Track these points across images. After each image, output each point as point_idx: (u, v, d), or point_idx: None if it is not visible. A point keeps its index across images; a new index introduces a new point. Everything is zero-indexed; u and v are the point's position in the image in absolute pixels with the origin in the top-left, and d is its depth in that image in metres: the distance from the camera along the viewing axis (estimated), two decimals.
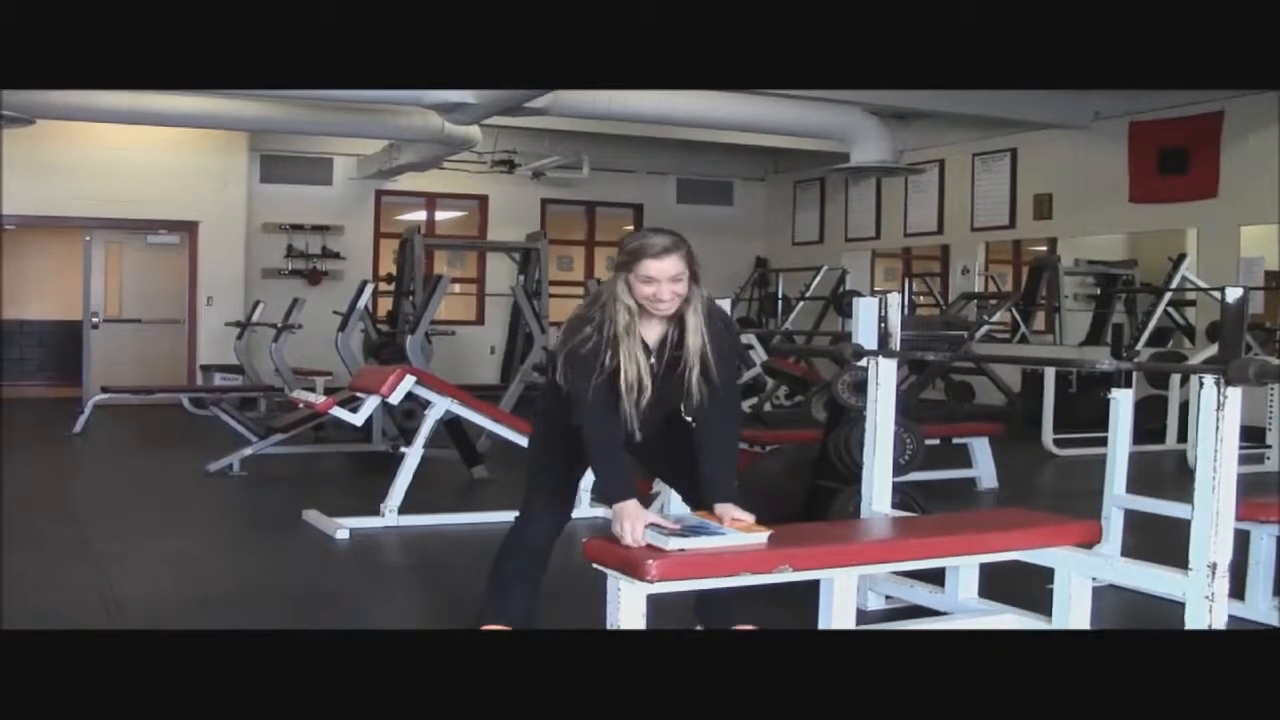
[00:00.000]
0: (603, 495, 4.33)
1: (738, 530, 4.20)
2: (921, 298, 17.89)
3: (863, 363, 5.61)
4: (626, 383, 4.30)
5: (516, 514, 4.73)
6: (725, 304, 8.42)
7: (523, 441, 7.12)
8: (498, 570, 4.69)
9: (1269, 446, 11.47)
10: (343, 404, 8.25)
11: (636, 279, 4.27)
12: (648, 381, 4.33)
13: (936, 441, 9.15)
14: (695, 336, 4.35)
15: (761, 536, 4.20)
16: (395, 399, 7.89)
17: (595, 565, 4.14)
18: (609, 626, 4.07)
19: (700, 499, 4.46)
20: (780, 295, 18.69)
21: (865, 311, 5.89)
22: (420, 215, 18.81)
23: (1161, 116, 14.39)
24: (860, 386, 5.82)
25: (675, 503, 5.14)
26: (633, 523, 4.11)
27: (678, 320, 4.37)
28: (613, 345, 4.28)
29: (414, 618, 5.80)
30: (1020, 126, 15.18)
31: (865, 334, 5.81)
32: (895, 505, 5.60)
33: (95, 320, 16.39)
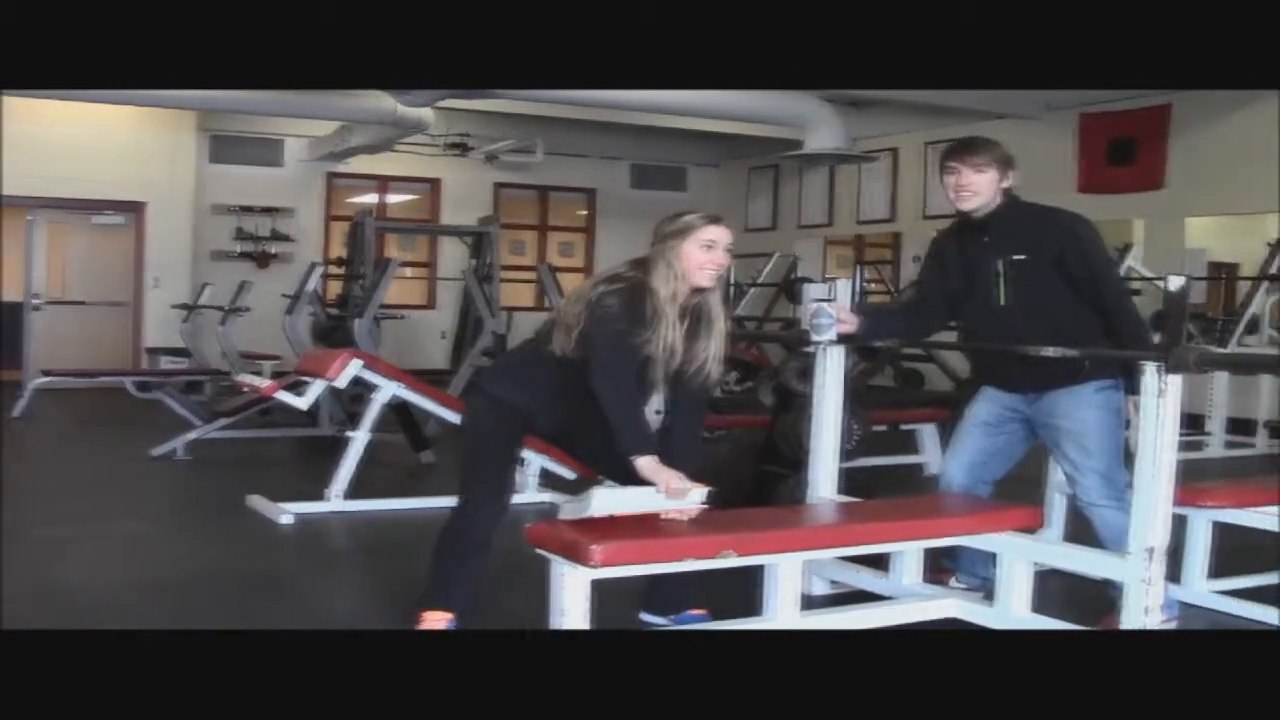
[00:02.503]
0: (627, 449, 4.33)
1: (669, 491, 4.22)
2: (873, 285, 17.88)
3: (810, 348, 5.60)
4: (666, 348, 4.44)
5: (456, 504, 4.68)
6: None
7: None
8: (441, 559, 4.67)
9: (1209, 434, 11.58)
10: (289, 388, 8.19)
11: (695, 245, 4.50)
12: (680, 348, 4.49)
13: (884, 428, 9.17)
14: (720, 321, 4.61)
15: (697, 495, 4.21)
16: (341, 383, 7.83)
17: (539, 550, 4.13)
18: (552, 611, 4.06)
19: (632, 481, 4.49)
20: (732, 282, 18.68)
21: (814, 298, 5.88)
22: (372, 198, 18.71)
23: (1111, 108, 14.47)
24: (808, 372, 5.80)
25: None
26: (663, 471, 4.28)
27: (694, 308, 4.57)
28: (656, 310, 4.41)
29: (358, 602, 5.77)
30: (973, 116, 15.19)
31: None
32: (843, 490, 5.60)
33: (37, 302, 16.16)
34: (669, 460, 4.39)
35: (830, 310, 5.25)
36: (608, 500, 4.07)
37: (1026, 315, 5.03)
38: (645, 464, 4.29)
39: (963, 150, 5.12)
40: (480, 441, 4.68)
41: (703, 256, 4.50)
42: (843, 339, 5.36)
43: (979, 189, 5.07)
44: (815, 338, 5.32)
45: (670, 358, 4.47)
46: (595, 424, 4.46)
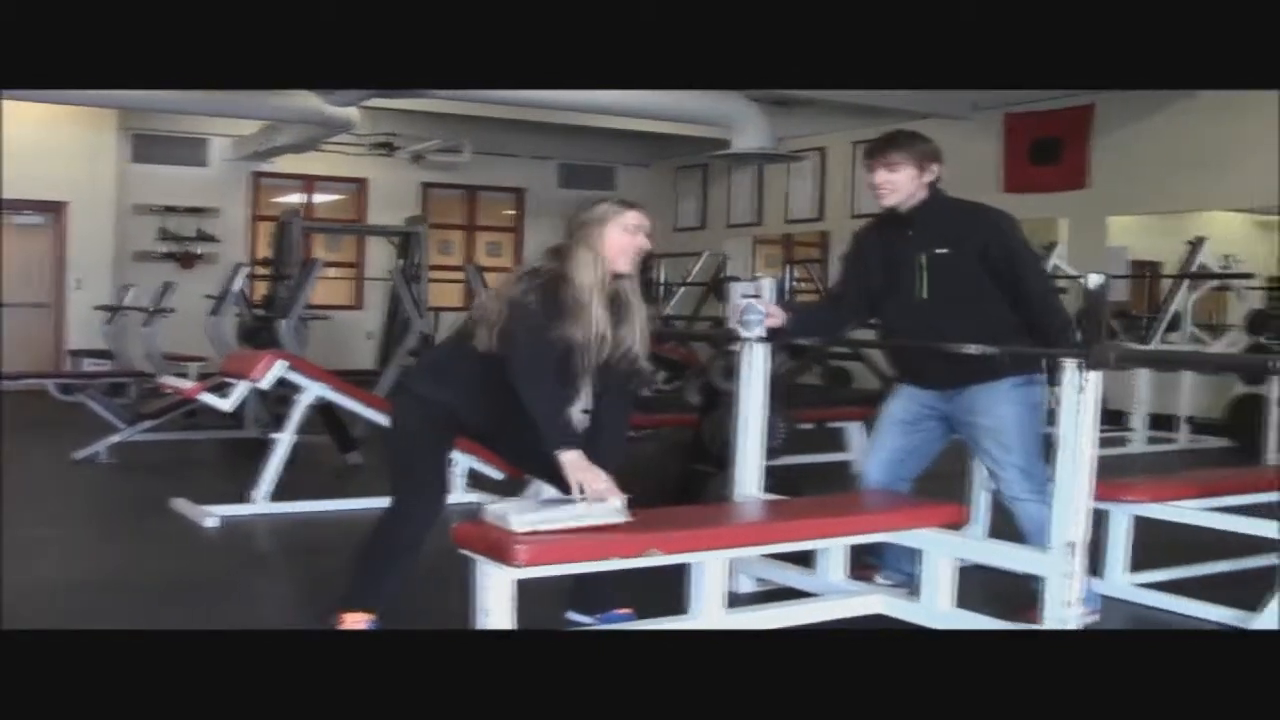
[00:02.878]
0: (551, 443, 4.31)
1: (593, 504, 4.21)
2: (802, 284, 17.94)
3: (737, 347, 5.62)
4: (595, 335, 4.43)
5: (389, 507, 4.62)
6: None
7: None
8: (369, 561, 4.63)
9: (1132, 430, 11.69)
10: (214, 389, 8.13)
11: (618, 230, 4.54)
12: (609, 335, 4.49)
13: (811, 426, 9.20)
14: (641, 307, 4.65)
15: (616, 504, 4.20)
16: (266, 384, 7.78)
17: (463, 550, 4.12)
18: (476, 611, 4.06)
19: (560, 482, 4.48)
20: (661, 281, 18.69)
21: (742, 294, 5.90)
22: (298, 198, 18.63)
23: (1035, 108, 14.62)
24: (734, 371, 5.81)
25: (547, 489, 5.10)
26: (587, 467, 4.27)
27: (613, 294, 4.56)
28: (577, 301, 4.40)
29: (282, 604, 5.75)
30: (900, 116, 15.22)
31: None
32: (769, 488, 5.62)
33: None
34: (597, 453, 4.41)
35: (759, 306, 5.28)
36: (528, 519, 4.05)
37: (947, 309, 5.07)
38: (569, 460, 4.28)
39: (879, 148, 5.20)
40: (410, 442, 4.63)
41: (625, 241, 4.54)
42: (771, 334, 5.39)
43: (896, 185, 5.13)
44: (744, 333, 5.34)
45: (601, 345, 4.47)
46: (520, 421, 4.44)
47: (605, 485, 4.27)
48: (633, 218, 4.58)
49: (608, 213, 4.54)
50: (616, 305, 4.55)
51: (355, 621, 4.54)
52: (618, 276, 4.56)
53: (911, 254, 5.14)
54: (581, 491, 4.25)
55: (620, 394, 4.76)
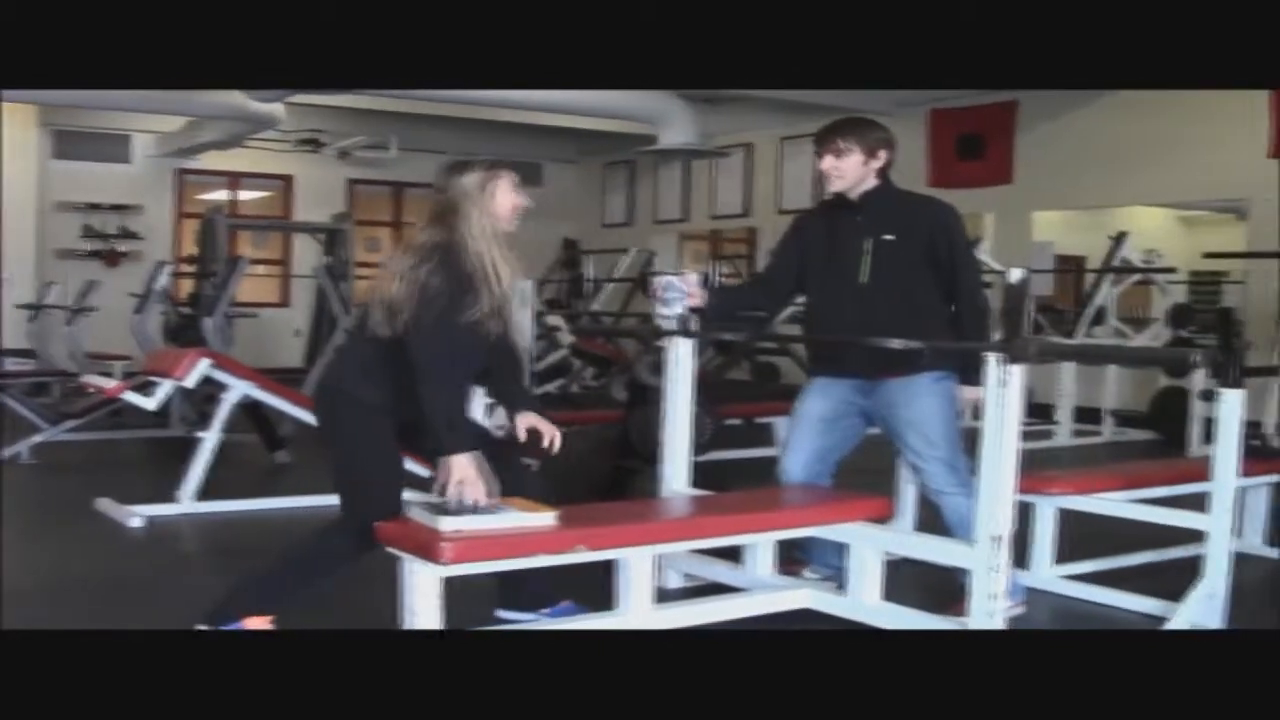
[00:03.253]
0: (445, 444, 4.25)
1: (520, 510, 4.19)
2: (729, 279, 17.95)
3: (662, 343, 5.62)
4: (496, 302, 4.37)
5: (339, 522, 4.51)
6: (529, 286, 8.42)
7: None
8: (300, 568, 4.55)
9: (1057, 423, 11.79)
10: (138, 388, 8.06)
11: (507, 190, 4.47)
12: (508, 295, 4.44)
13: (739, 421, 9.21)
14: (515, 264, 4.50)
15: (546, 517, 4.19)
16: (190, 382, 7.71)
17: (389, 549, 4.11)
18: (403, 610, 4.06)
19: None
20: (588, 277, 18.69)
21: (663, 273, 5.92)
22: (223, 195, 18.49)
23: (959, 105, 14.71)
24: (661, 367, 5.82)
25: None
26: (477, 473, 4.21)
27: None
28: (476, 269, 4.33)
29: (207, 605, 5.69)
30: (826, 112, 15.20)
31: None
32: (697, 483, 5.63)
33: None
34: (512, 404, 4.65)
35: (679, 284, 5.26)
36: (457, 522, 4.03)
37: (885, 295, 5.11)
38: (462, 463, 4.22)
39: (828, 134, 5.22)
40: (359, 449, 4.46)
41: (514, 200, 4.49)
42: (693, 314, 5.38)
43: (844, 171, 5.16)
44: (664, 311, 5.31)
45: (505, 305, 4.42)
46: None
47: (481, 496, 4.22)
48: (513, 176, 4.51)
49: (491, 175, 4.44)
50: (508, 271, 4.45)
51: (258, 625, 4.42)
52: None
53: (858, 238, 5.17)
54: (444, 493, 4.21)
55: (512, 357, 4.73)
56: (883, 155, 5.20)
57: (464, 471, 4.21)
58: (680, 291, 5.24)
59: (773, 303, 5.90)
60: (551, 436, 4.66)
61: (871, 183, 5.21)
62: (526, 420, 4.67)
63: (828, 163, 5.19)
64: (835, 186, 5.22)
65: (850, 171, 5.16)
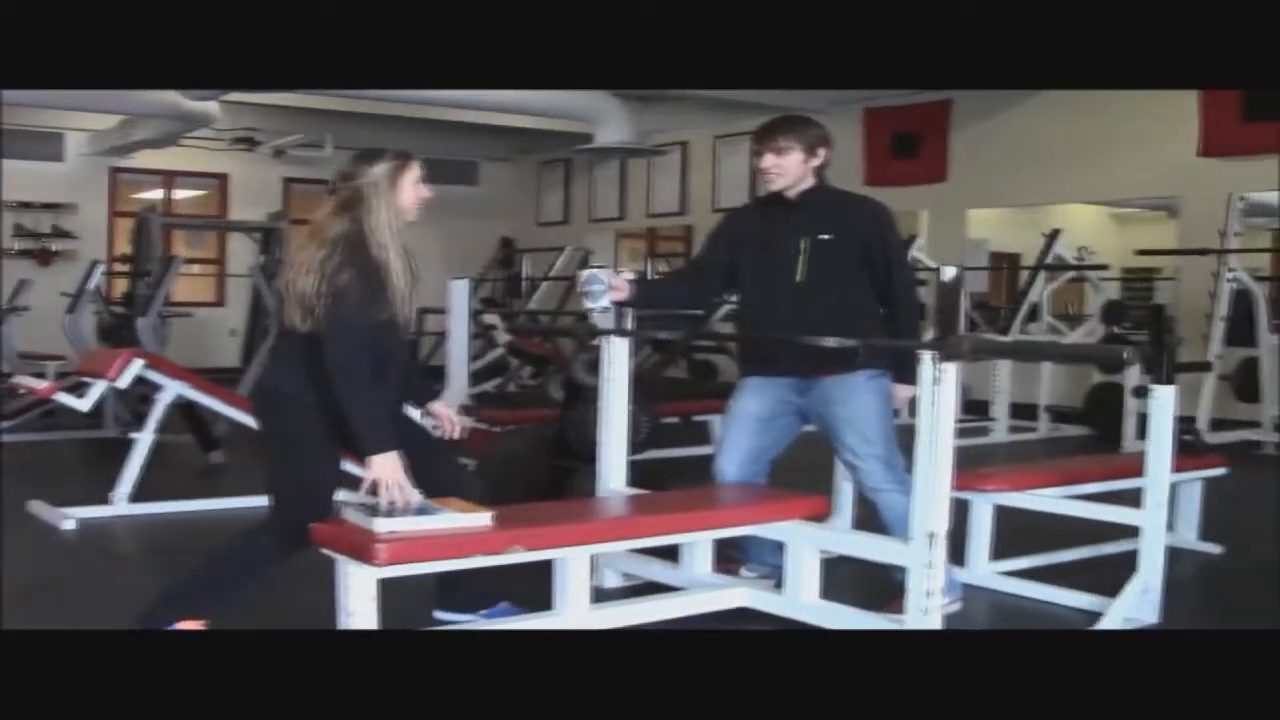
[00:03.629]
0: (365, 444, 4.20)
1: (456, 511, 4.18)
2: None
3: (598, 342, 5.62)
4: (401, 293, 4.30)
5: (271, 521, 4.46)
6: (465, 285, 8.40)
7: None
8: (227, 569, 4.48)
9: (994, 419, 11.86)
10: (71, 389, 8.00)
11: (413, 182, 4.43)
12: (409, 293, 4.35)
13: (676, 419, 9.22)
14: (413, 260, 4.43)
15: (482, 518, 4.18)
16: (123, 383, 7.65)
17: (323, 550, 4.09)
18: (339, 612, 4.04)
19: (427, 482, 4.43)
20: (525, 275, 18.68)
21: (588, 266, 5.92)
22: (158, 193, 18.37)
23: (894, 103, 14.80)
24: (596, 365, 5.82)
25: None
26: (399, 474, 4.16)
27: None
28: (381, 262, 4.27)
29: (141, 608, 5.65)
30: (761, 110, 15.28)
31: (601, 314, 5.81)
32: (632, 483, 5.63)
33: None
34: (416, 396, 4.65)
35: (603, 276, 5.22)
36: (392, 523, 4.02)
37: (820, 294, 5.11)
38: (384, 462, 4.19)
39: (766, 133, 5.22)
40: (297, 449, 4.42)
41: (418, 192, 4.45)
42: (622, 309, 5.39)
43: (784, 170, 5.16)
44: (589, 304, 5.27)
45: (403, 301, 4.34)
46: (395, 413, 4.45)
47: (404, 497, 4.20)
48: (420, 168, 4.47)
49: (400, 166, 4.40)
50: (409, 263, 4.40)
51: (190, 629, 4.34)
52: None
53: (794, 237, 5.17)
54: (374, 494, 4.19)
55: (405, 349, 4.61)
56: (822, 154, 5.22)
57: (383, 471, 4.17)
58: (604, 285, 5.19)
59: (700, 295, 5.91)
60: (454, 426, 4.68)
61: (809, 181, 5.22)
62: (436, 410, 4.70)
63: (768, 161, 5.18)
64: (775, 185, 5.22)
65: (790, 170, 5.17)
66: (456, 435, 4.73)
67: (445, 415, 4.73)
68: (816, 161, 5.20)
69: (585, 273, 5.27)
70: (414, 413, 4.80)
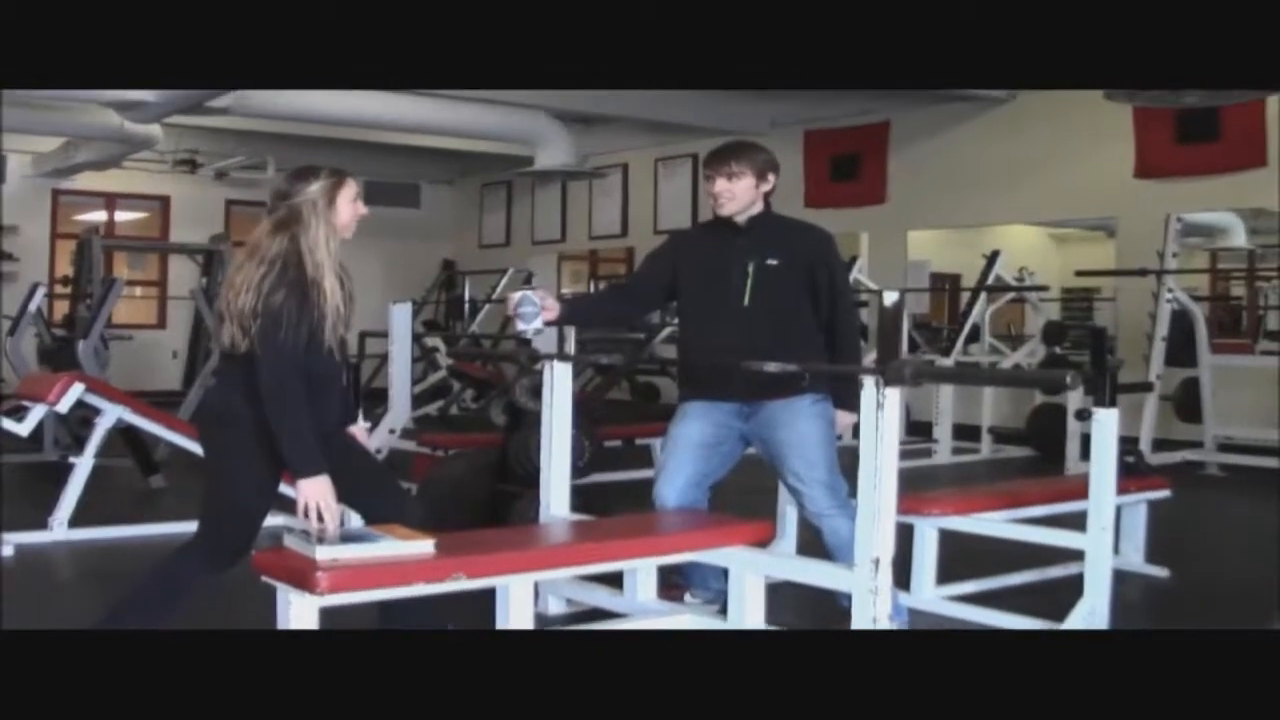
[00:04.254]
0: (295, 467, 4.15)
1: (397, 538, 4.15)
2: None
3: (540, 366, 5.61)
4: (334, 311, 4.23)
5: (192, 547, 4.38)
6: (407, 308, 8.38)
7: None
8: (157, 591, 4.39)
9: (936, 441, 11.90)
10: (10, 412, 7.95)
11: (349, 200, 4.36)
12: (344, 310, 4.29)
13: (619, 443, 9.22)
14: (347, 278, 4.38)
15: (424, 545, 4.15)
16: (63, 407, 7.61)
17: (264, 578, 4.06)
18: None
19: (368, 506, 4.41)
20: (467, 298, 18.66)
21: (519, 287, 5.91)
22: (100, 215, 18.25)
23: (834, 125, 14.90)
24: (539, 390, 5.80)
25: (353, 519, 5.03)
26: (327, 498, 4.11)
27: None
28: (315, 281, 4.20)
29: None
30: (700, 133, 15.45)
31: (543, 337, 5.80)
32: (575, 508, 5.62)
33: None
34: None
35: (534, 297, 5.17)
36: (333, 551, 3.99)
37: (765, 318, 5.12)
38: (313, 485, 4.14)
39: (718, 158, 5.21)
40: (232, 474, 4.35)
41: (355, 211, 4.39)
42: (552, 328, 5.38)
43: (735, 194, 5.16)
44: (521, 326, 5.23)
45: (338, 321, 4.28)
46: (334, 434, 4.40)
47: (331, 525, 4.15)
48: (356, 186, 4.41)
49: (336, 184, 4.34)
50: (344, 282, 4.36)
51: None
52: None
53: (740, 261, 5.16)
54: (306, 517, 4.15)
55: (341, 368, 4.54)
56: (771, 179, 5.23)
57: (311, 494, 4.12)
58: (536, 306, 5.15)
59: (630, 311, 5.93)
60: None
61: (759, 207, 5.23)
62: (350, 434, 4.63)
63: (720, 185, 5.18)
64: (725, 210, 5.21)
65: (742, 195, 5.17)
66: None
67: (359, 437, 4.70)
68: (766, 187, 5.22)
69: (517, 294, 5.21)
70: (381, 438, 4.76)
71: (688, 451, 5.32)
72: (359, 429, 4.77)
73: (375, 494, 4.47)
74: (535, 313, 5.13)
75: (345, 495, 4.31)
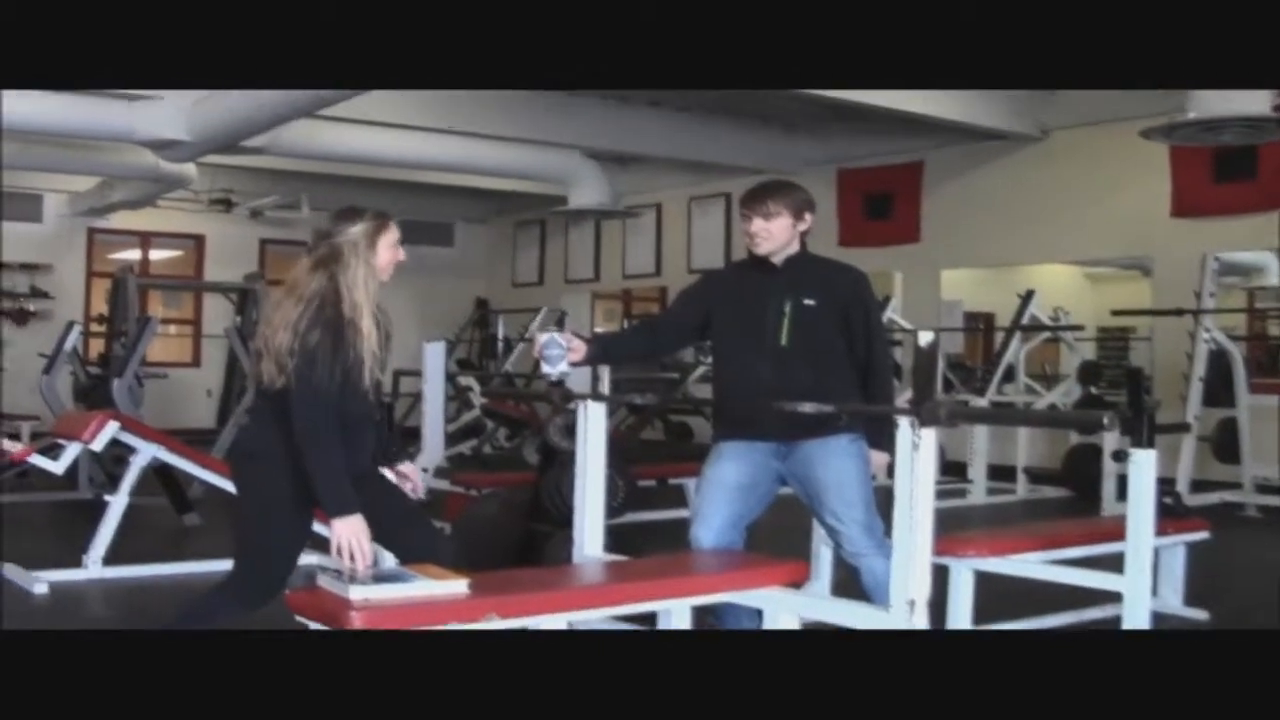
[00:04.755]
0: (328, 507, 4.15)
1: (431, 577, 4.13)
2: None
3: (573, 405, 5.59)
4: (370, 354, 4.26)
5: (232, 586, 4.39)
6: (441, 346, 8.39)
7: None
8: (191, 628, 4.43)
9: (971, 481, 11.83)
10: (45, 450, 7.97)
11: (389, 245, 4.40)
12: (380, 353, 4.32)
13: (653, 482, 9.19)
14: (387, 321, 4.44)
15: (458, 585, 4.13)
16: (98, 446, 7.63)
17: (298, 618, 4.05)
18: None
19: (402, 546, 4.40)
20: (501, 336, 18.68)
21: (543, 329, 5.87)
22: (135, 254, 18.33)
23: (867, 165, 14.91)
24: (572, 429, 5.78)
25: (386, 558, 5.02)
26: (360, 538, 4.11)
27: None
28: (353, 322, 4.23)
29: None
30: (733, 171, 15.50)
31: (577, 376, 5.78)
32: (609, 547, 5.59)
33: None
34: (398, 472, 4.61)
35: (560, 340, 5.14)
36: (366, 590, 3.97)
37: (802, 358, 5.08)
38: (348, 526, 4.14)
39: (755, 197, 5.17)
40: (268, 513, 4.35)
41: (395, 255, 4.41)
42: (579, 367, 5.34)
43: (772, 233, 5.12)
44: (546, 369, 5.19)
45: (374, 362, 4.31)
46: (368, 473, 4.41)
47: (364, 564, 4.14)
48: (397, 232, 4.44)
49: (378, 227, 4.38)
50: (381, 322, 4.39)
51: None
52: None
53: (776, 300, 5.13)
54: (340, 556, 4.14)
55: (376, 409, 4.57)
56: (808, 218, 5.20)
57: (344, 533, 4.12)
58: (561, 349, 5.11)
59: (663, 348, 5.88)
60: (418, 488, 4.70)
61: (795, 246, 5.21)
62: (403, 471, 4.67)
63: (756, 225, 5.15)
64: (762, 249, 5.18)
65: (779, 234, 5.14)
66: (420, 496, 4.74)
67: (413, 475, 4.71)
68: (804, 226, 5.19)
69: (543, 337, 5.17)
70: (388, 474, 4.75)
71: (723, 493, 5.27)
72: (411, 468, 4.77)
73: (409, 534, 4.46)
74: (561, 355, 5.08)
75: (379, 535, 4.32)
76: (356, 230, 4.35)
